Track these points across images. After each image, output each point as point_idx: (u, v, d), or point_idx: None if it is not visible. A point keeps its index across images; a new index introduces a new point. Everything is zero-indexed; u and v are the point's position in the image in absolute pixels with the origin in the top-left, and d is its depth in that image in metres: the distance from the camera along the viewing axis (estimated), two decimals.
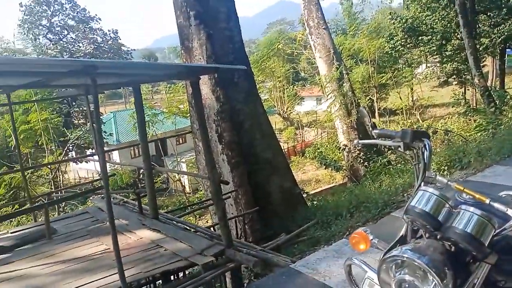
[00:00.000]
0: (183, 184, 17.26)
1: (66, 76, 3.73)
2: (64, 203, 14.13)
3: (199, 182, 19.23)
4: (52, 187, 14.75)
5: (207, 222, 13.62)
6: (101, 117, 20.31)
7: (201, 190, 18.21)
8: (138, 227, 4.89)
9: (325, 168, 14.53)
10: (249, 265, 3.83)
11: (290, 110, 30.04)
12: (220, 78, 6.57)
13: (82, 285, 3.48)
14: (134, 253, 4.12)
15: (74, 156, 17.83)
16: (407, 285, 1.23)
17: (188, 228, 4.95)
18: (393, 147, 1.52)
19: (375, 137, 1.59)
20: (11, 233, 5.10)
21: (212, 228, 5.77)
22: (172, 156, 19.99)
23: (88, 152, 18.37)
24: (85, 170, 24.15)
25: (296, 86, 30.32)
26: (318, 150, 15.87)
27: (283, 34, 33.16)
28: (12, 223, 12.99)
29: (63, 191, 13.17)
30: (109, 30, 22.10)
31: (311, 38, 13.76)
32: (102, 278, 3.57)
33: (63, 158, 15.58)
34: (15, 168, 15.30)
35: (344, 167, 12.84)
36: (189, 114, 19.58)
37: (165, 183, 19.10)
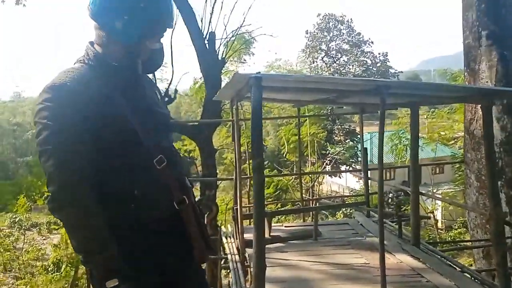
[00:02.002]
0: (435, 218, 15.98)
1: (357, 94, 4.04)
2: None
3: (455, 219, 17.39)
4: (310, 194, 16.39)
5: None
6: (359, 136, 21.20)
7: (457, 229, 16.43)
8: (397, 250, 4.79)
9: None
10: None
11: None
12: (509, 105, 5.76)
13: None
14: (393, 275, 4.04)
15: (329, 170, 19.29)
16: None
17: (452, 265, 4.52)
18: None
19: None
20: (285, 227, 5.91)
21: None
22: (426, 185, 18.82)
23: (342, 168, 19.54)
24: (337, 184, 25.67)
25: None
26: None
27: None
28: (274, 219, 15.15)
29: (322, 199, 14.44)
30: (379, 53, 22.92)
31: None
32: None
33: (323, 170, 16.98)
34: (283, 173, 17.82)
35: None
36: (452, 142, 17.93)
37: None
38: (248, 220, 5.08)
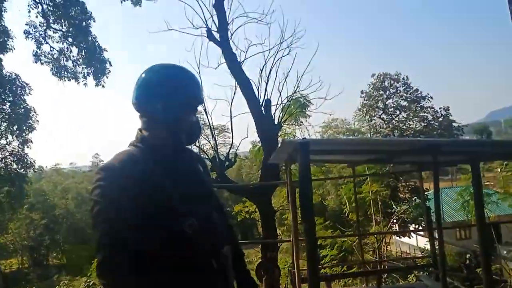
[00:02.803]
0: None
1: (408, 154, 4.07)
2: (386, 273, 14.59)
3: None
4: (376, 256, 15.55)
5: None
6: (426, 194, 20.05)
7: None
8: None
9: None
10: None
11: None
12: None
13: None
14: None
15: (397, 230, 18.29)
16: None
17: None
18: None
19: None
20: None
21: None
22: (508, 244, 17.15)
23: (411, 227, 18.45)
24: (407, 244, 24.13)
25: None
26: None
27: None
28: (340, 282, 14.47)
29: (387, 261, 13.67)
30: (440, 108, 22.24)
31: None
32: None
33: (389, 230, 16.18)
34: (346, 233, 17.22)
35: None
36: None
37: (498, 275, 16.42)
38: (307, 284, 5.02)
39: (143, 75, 1.72)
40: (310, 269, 3.17)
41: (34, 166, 15.85)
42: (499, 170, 18.91)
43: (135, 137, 1.73)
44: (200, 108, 1.90)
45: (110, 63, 12.35)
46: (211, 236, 1.65)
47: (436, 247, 6.06)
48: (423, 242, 21.16)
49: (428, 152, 3.54)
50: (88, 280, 17.25)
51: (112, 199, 1.50)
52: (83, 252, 26.93)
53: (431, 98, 22.82)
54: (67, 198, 36.33)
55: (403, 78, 23.13)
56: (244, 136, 12.74)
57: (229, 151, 11.17)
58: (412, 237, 21.98)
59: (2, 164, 14.95)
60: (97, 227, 1.51)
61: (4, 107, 14.21)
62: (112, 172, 1.56)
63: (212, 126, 10.38)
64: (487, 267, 4.89)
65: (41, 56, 12.52)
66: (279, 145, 9.86)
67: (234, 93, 9.42)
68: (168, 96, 1.66)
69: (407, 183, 19.80)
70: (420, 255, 16.29)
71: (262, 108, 9.21)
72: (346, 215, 18.74)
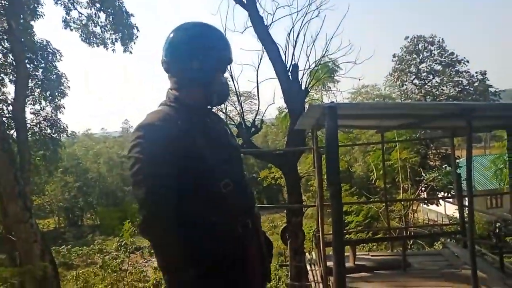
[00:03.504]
0: None
1: (440, 118, 3.92)
2: (411, 240, 14.53)
3: None
4: (403, 223, 15.46)
5: None
6: (457, 161, 19.45)
7: None
8: (498, 284, 4.40)
9: None
10: None
11: None
12: None
13: None
14: None
15: (425, 197, 18.04)
16: None
17: None
18: None
19: None
20: (371, 255, 5.75)
21: None
22: None
23: (440, 195, 18.14)
24: (435, 212, 23.87)
25: None
26: None
27: None
28: (365, 247, 14.59)
29: (413, 228, 13.60)
30: (476, 72, 21.18)
31: None
32: None
33: (416, 197, 15.99)
34: (371, 200, 17.14)
35: None
36: None
37: None
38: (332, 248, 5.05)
39: (172, 34, 1.67)
40: (335, 233, 3.17)
41: (67, 131, 16.36)
42: None
43: (167, 96, 1.70)
44: (226, 73, 1.87)
45: (137, 28, 12.34)
46: (245, 197, 1.68)
47: (465, 214, 5.94)
48: (451, 210, 20.87)
49: (461, 116, 3.38)
50: (121, 240, 18.09)
51: (154, 156, 1.49)
52: (115, 214, 28.17)
53: (467, 62, 21.72)
54: (99, 162, 37.61)
55: (438, 41, 22.04)
56: (270, 102, 12.57)
57: (255, 117, 11.14)
58: (441, 205, 21.67)
59: (37, 129, 15.50)
60: (138, 184, 1.49)
61: (37, 73, 14.55)
62: (152, 130, 1.54)
63: (238, 92, 10.31)
64: None
65: (70, 22, 12.65)
66: (305, 110, 9.74)
67: (261, 58, 9.25)
68: (200, 55, 1.62)
69: (438, 151, 19.32)
70: (448, 223, 16.10)
71: (289, 73, 9.04)
72: (373, 182, 18.59)
